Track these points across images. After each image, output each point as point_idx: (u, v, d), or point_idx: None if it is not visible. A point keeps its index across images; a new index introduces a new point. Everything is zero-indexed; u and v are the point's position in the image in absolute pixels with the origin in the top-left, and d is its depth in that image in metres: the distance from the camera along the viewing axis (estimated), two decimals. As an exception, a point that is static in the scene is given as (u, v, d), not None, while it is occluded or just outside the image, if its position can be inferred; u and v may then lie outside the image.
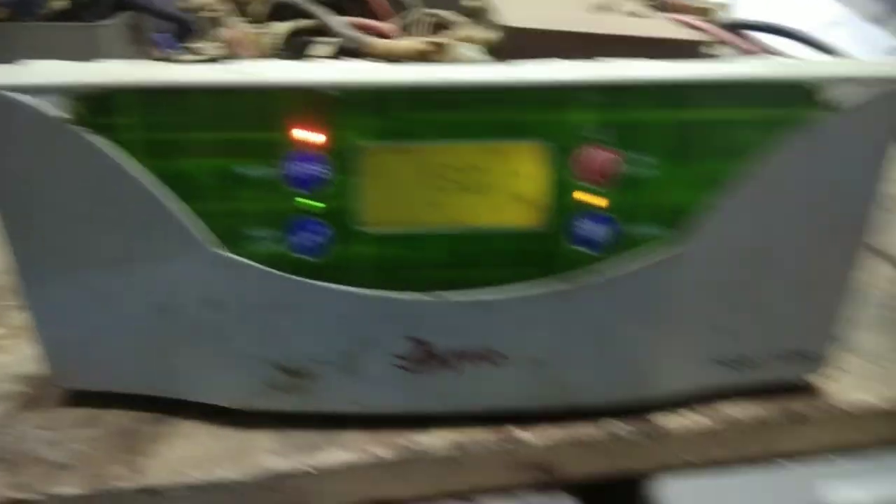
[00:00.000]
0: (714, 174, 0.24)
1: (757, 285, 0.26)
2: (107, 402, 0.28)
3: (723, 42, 0.42)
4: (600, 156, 0.24)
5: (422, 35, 0.35)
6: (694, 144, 0.24)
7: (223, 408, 0.27)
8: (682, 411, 0.29)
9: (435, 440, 0.27)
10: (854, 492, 0.29)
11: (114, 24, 0.71)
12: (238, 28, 0.34)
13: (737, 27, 0.44)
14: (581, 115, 0.23)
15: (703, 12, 0.58)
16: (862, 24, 0.84)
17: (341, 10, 0.39)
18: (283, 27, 0.35)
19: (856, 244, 0.26)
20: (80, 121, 0.22)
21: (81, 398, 0.28)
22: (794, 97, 0.23)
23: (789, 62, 0.25)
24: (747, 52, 0.43)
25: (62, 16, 0.73)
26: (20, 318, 0.34)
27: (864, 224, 0.26)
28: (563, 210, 0.24)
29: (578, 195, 0.24)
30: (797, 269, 0.26)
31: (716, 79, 0.23)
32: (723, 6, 0.57)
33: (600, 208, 0.24)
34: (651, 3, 0.53)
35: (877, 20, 0.86)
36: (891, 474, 0.30)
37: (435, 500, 0.28)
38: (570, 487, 0.29)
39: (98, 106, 0.22)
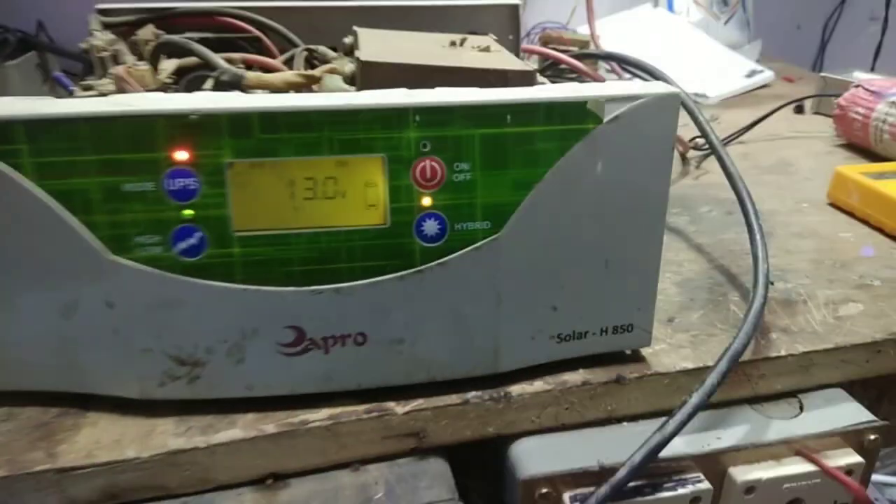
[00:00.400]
0: (520, 177, 0.30)
1: (572, 268, 0.32)
2: (21, 401, 0.32)
3: (574, 69, 0.48)
4: (431, 166, 0.29)
5: (299, 69, 0.40)
6: (503, 154, 0.29)
7: (129, 399, 0.31)
8: (531, 381, 0.34)
9: (315, 416, 0.31)
10: (677, 445, 0.34)
11: (21, 63, 0.76)
12: (127, 65, 0.38)
13: (587, 56, 0.51)
14: (413, 132, 0.29)
15: (577, 44, 0.65)
16: (723, 51, 0.93)
17: (239, 49, 0.44)
18: (170, 64, 0.40)
19: (651, 231, 0.32)
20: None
21: (-1, 399, 0.32)
22: (579, 113, 0.29)
23: (576, 87, 0.30)
24: (591, 78, 0.49)
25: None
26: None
27: (655, 213, 0.32)
28: (405, 211, 0.29)
29: (416, 199, 0.29)
30: (603, 253, 0.32)
31: (517, 101, 0.29)
32: (593, 40, 0.65)
33: (434, 208, 0.29)
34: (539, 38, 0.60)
35: (735, 47, 0.95)
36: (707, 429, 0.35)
37: (322, 470, 0.32)
38: (440, 451, 0.34)
39: (-3, 135, 0.26)
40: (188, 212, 0.28)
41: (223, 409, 0.31)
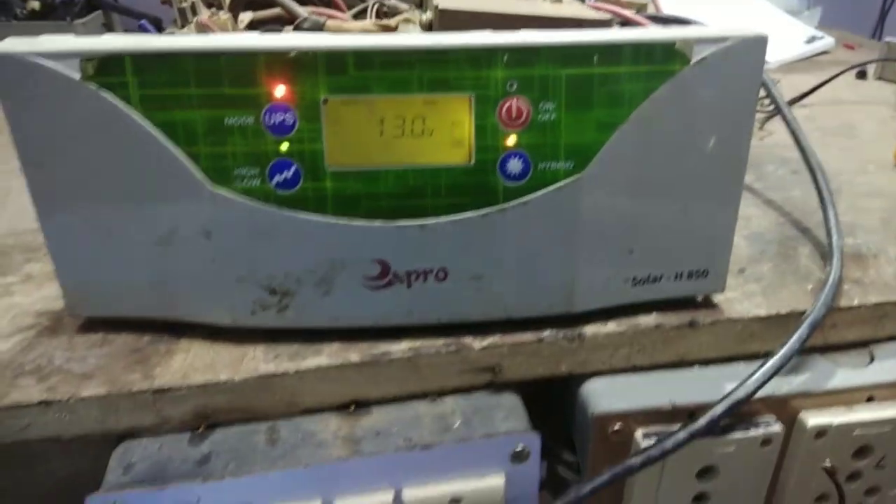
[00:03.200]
0: (605, 118, 0.30)
1: (651, 211, 0.32)
2: (117, 328, 0.34)
3: (629, 22, 0.48)
4: (517, 105, 0.30)
5: (372, 20, 0.41)
6: (588, 95, 0.30)
7: (220, 327, 0.33)
8: (605, 322, 0.34)
9: (397, 347, 0.32)
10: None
11: (89, 21, 0.78)
12: (209, 15, 0.39)
13: (651, 18, 0.51)
14: (500, 72, 0.29)
15: (634, 7, 0.65)
16: (783, 16, 0.91)
17: (305, 3, 0.45)
18: (247, 16, 0.41)
19: (732, 176, 0.32)
20: (91, 80, 0.28)
21: (94, 326, 0.34)
22: (666, 55, 0.29)
23: (662, 30, 0.31)
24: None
25: (39, 16, 0.79)
26: (29, 268, 0.40)
27: (736, 157, 0.32)
28: (490, 150, 0.30)
29: (501, 138, 0.30)
30: (683, 197, 0.32)
31: (604, 42, 0.29)
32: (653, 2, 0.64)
33: (518, 147, 0.30)
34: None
35: (795, 13, 0.93)
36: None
37: (402, 399, 0.33)
38: (513, 388, 0.35)
39: (104, 68, 0.28)
40: (285, 146, 0.29)
41: (309, 339, 0.33)
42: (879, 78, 0.84)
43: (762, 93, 0.48)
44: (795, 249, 0.41)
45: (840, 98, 0.76)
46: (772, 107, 0.66)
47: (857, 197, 0.49)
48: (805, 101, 0.72)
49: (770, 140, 0.61)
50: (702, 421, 0.31)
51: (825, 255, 0.41)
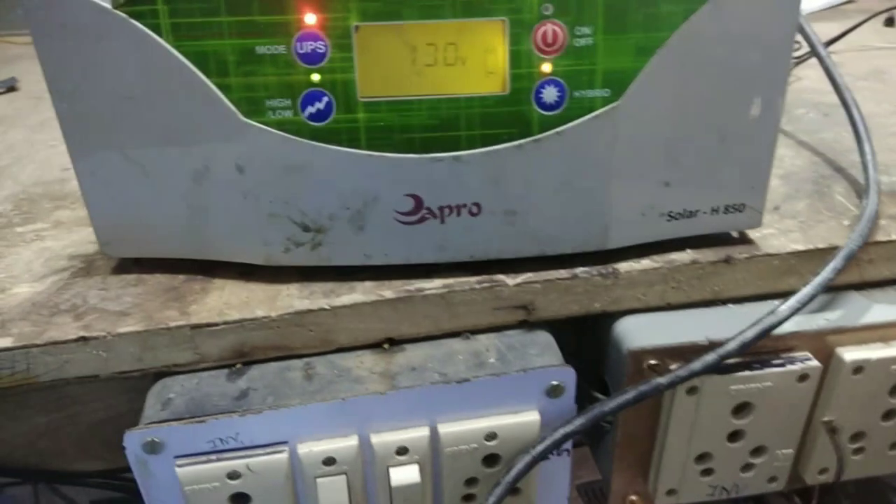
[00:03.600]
0: (642, 42, 0.29)
1: (688, 141, 0.31)
2: (151, 268, 0.34)
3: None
4: (552, 30, 0.29)
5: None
6: (625, 18, 0.29)
7: (254, 266, 0.32)
8: (639, 259, 0.34)
9: (430, 284, 0.32)
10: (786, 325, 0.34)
11: None
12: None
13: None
14: (535, -5, 0.28)
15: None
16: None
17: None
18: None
19: (771, 104, 0.31)
20: (121, 8, 0.27)
21: (127, 267, 0.34)
22: (707, -28, 0.29)
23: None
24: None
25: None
26: (58, 214, 0.40)
27: (775, 84, 0.31)
28: (525, 78, 0.29)
29: (536, 65, 0.29)
30: (720, 126, 0.31)
31: (644, -41, 0.28)
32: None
33: (553, 75, 0.29)
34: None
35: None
36: (815, 311, 0.35)
37: (435, 337, 0.33)
38: (545, 327, 0.34)
39: (136, -3, 0.27)
40: (316, 76, 0.28)
41: (343, 277, 0.32)
42: (908, 25, 0.82)
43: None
44: (830, 187, 0.41)
45: (868, 44, 0.74)
46: (800, 52, 0.65)
47: (890, 137, 0.48)
48: (833, 48, 0.70)
49: (799, 85, 0.60)
50: (731, 344, 0.31)
51: (860, 193, 0.40)
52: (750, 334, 0.31)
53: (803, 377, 0.33)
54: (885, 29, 0.82)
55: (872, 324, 0.34)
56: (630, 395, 0.31)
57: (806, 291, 0.32)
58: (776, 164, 0.43)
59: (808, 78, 0.61)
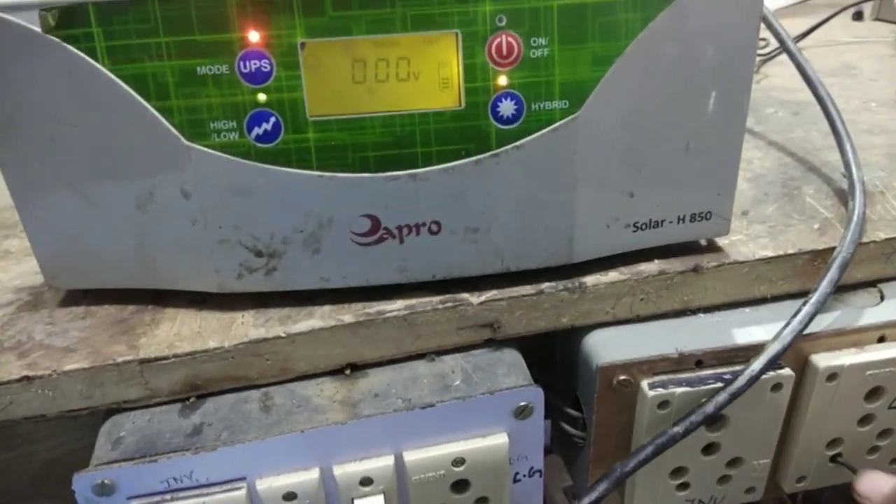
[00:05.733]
0: (600, 52, 0.28)
1: (651, 150, 0.30)
2: (100, 299, 0.32)
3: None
4: (507, 41, 0.28)
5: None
6: (582, 27, 0.28)
7: (207, 294, 0.31)
8: (606, 271, 0.33)
9: (391, 306, 0.31)
10: (757, 333, 0.33)
11: None
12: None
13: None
14: (488, 5, 0.27)
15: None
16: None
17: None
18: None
19: (735, 110, 0.31)
20: (53, 32, 0.26)
21: (76, 298, 0.33)
22: (664, -23, 0.28)
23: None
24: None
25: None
26: (7, 244, 0.38)
27: (739, 90, 0.30)
28: (480, 91, 0.28)
29: (492, 78, 0.28)
30: (684, 135, 0.30)
31: (597, -34, 0.27)
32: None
33: (510, 88, 0.28)
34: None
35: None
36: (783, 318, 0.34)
37: (399, 360, 0.32)
38: (513, 344, 0.33)
39: (67, 18, 0.26)
40: (262, 96, 0.27)
41: (300, 302, 0.31)
42: (876, 18, 0.82)
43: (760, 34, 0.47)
44: (800, 189, 0.40)
45: (837, 39, 0.74)
46: (767, 49, 0.64)
47: (861, 134, 0.47)
48: (801, 44, 0.70)
49: (767, 83, 0.60)
50: (741, 380, 0.30)
51: (831, 193, 0.40)
52: (757, 367, 0.31)
53: (777, 386, 0.33)
54: (853, 23, 0.82)
55: (845, 329, 0.34)
56: (649, 450, 0.30)
57: (806, 311, 0.31)
58: (745, 167, 0.43)
59: (776, 76, 0.61)
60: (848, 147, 0.39)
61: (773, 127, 0.49)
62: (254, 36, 0.26)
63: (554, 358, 0.38)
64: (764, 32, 0.47)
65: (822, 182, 0.41)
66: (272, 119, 0.27)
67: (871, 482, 0.34)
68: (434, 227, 0.30)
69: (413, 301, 0.31)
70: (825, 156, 0.44)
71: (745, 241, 0.35)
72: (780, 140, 0.47)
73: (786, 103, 0.54)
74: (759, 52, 0.64)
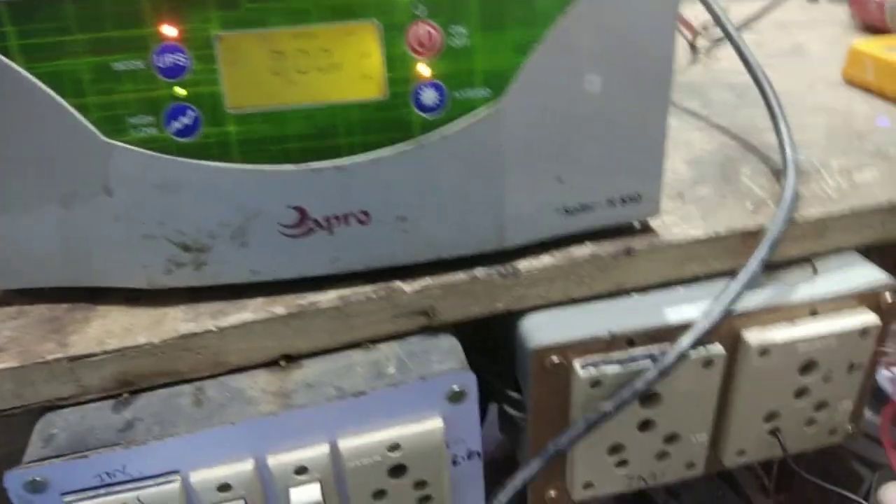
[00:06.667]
0: (520, 39, 0.28)
1: (577, 136, 0.31)
2: (33, 298, 0.32)
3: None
4: (426, 31, 0.28)
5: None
6: (501, 14, 0.28)
7: (141, 291, 0.31)
8: (539, 256, 0.33)
9: (324, 297, 0.31)
10: (689, 312, 0.34)
11: None
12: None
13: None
14: (405, -6, 0.27)
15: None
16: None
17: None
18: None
19: (657, 93, 0.31)
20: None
21: (8, 299, 0.32)
22: (577, -39, 0.28)
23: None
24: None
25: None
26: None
27: (660, 73, 0.31)
28: (402, 81, 0.28)
29: (413, 67, 0.28)
30: (609, 119, 0.31)
31: (511, -48, 0.28)
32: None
33: (431, 77, 0.29)
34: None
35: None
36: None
37: (334, 350, 0.32)
38: (450, 330, 0.34)
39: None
40: (180, 90, 0.27)
41: (232, 295, 0.31)
42: (831, 0, 0.83)
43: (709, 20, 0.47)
44: (737, 170, 0.41)
45: (790, 21, 0.74)
46: (719, 34, 0.65)
47: (804, 114, 0.48)
48: (756, 26, 0.70)
49: (717, 66, 0.60)
50: (669, 357, 0.31)
51: (767, 173, 0.40)
52: (685, 343, 0.31)
53: (708, 363, 0.33)
54: (808, 5, 0.82)
55: (778, 305, 0.34)
56: (580, 427, 0.31)
57: (733, 288, 0.32)
58: (686, 150, 0.44)
59: (726, 59, 0.61)
60: (783, 127, 0.39)
61: (718, 110, 0.50)
62: (168, 30, 0.26)
63: (498, 342, 0.38)
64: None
65: (759, 162, 0.41)
66: (191, 113, 0.27)
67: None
68: (363, 218, 0.30)
69: (346, 291, 0.32)
70: (767, 137, 0.45)
71: (677, 223, 0.35)
72: (724, 122, 0.47)
73: (733, 86, 0.54)
74: (710, 36, 0.65)
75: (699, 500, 0.84)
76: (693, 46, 0.64)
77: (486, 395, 0.39)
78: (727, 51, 0.63)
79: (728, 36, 0.45)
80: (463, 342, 0.34)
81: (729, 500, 0.83)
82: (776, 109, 0.41)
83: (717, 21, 0.46)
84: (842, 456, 0.60)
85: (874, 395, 0.69)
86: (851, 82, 0.53)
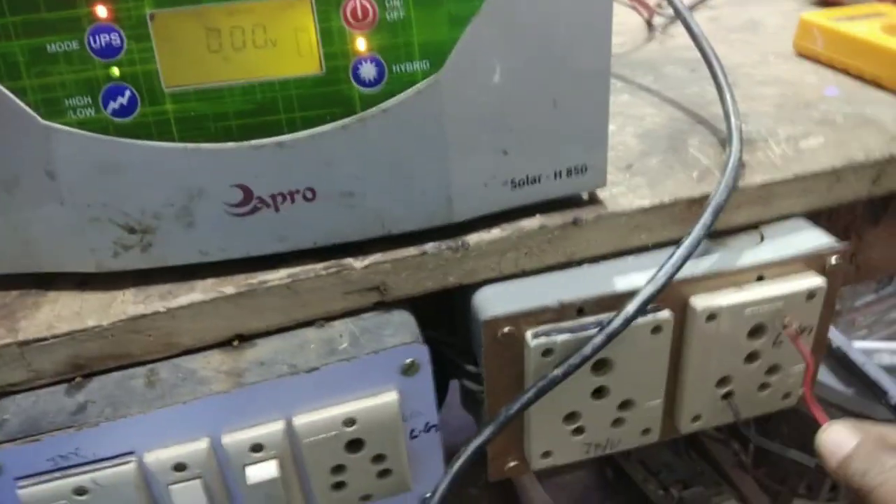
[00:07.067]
0: (456, 11, 0.29)
1: (519, 108, 0.31)
2: (-21, 287, 0.32)
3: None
4: (361, 4, 0.28)
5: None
6: (435, -15, 0.28)
7: (90, 275, 0.31)
8: (488, 229, 0.34)
9: (274, 276, 0.31)
10: (638, 280, 0.34)
11: None
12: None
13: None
14: (339, -30, 0.28)
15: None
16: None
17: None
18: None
19: (598, 64, 0.31)
20: None
21: (-45, 288, 0.32)
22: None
23: None
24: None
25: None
26: None
27: (600, 44, 0.31)
28: (340, 56, 0.29)
29: (350, 41, 0.29)
30: (550, 91, 0.31)
31: (443, -76, 0.28)
32: None
33: (369, 51, 0.29)
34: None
35: None
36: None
37: (288, 329, 0.33)
38: (405, 305, 0.34)
39: None
40: (115, 70, 0.27)
41: (183, 277, 0.31)
42: (788, -24, 0.83)
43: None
44: (685, 141, 0.41)
45: (747, -2, 0.75)
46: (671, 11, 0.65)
47: (753, 86, 0.49)
48: (712, 2, 0.71)
49: (672, 43, 0.61)
50: (616, 322, 0.31)
51: (714, 143, 0.41)
52: (632, 309, 0.32)
53: (656, 329, 0.34)
54: (766, -19, 0.83)
55: (724, 270, 0.35)
56: (531, 393, 0.31)
57: (679, 254, 0.32)
58: (636, 123, 0.44)
59: (681, 35, 0.62)
60: (728, 97, 0.40)
61: (670, 84, 0.50)
62: (101, 10, 0.26)
63: (455, 316, 0.38)
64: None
65: (708, 133, 0.42)
66: (127, 93, 0.27)
67: (833, 440, 0.32)
68: (308, 194, 0.31)
69: (296, 269, 0.32)
70: (716, 109, 0.45)
71: (625, 193, 0.36)
72: (675, 96, 0.48)
73: (687, 61, 0.55)
74: (666, 14, 0.65)
75: (678, 478, 0.85)
76: (649, 24, 0.65)
77: (448, 373, 0.39)
78: (681, 28, 0.64)
79: (676, 11, 0.46)
80: (423, 320, 0.34)
81: (708, 476, 0.85)
82: (721, 80, 0.41)
83: (668, -2, 0.47)
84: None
85: (839, 361, 0.70)
86: (802, 54, 0.54)
